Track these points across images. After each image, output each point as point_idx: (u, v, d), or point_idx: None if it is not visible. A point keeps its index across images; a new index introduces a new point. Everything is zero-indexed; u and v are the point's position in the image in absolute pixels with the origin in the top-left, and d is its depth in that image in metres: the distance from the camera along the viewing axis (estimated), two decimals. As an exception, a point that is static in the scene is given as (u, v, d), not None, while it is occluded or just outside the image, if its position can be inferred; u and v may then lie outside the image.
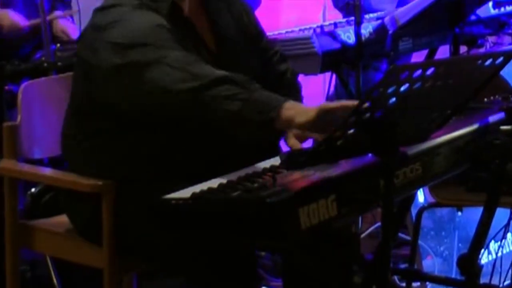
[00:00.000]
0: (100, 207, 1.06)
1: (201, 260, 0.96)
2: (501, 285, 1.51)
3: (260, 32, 1.26)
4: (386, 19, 1.91)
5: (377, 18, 1.97)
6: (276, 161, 0.98)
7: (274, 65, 1.24)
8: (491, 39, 2.39)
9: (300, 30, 1.94)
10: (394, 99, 0.75)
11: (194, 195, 0.81)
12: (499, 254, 1.60)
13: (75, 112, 1.13)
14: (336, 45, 1.81)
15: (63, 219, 1.22)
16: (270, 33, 1.58)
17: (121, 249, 1.08)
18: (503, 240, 1.48)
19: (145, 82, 0.95)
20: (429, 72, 0.75)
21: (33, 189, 1.62)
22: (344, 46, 1.82)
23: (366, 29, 1.84)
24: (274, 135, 1.01)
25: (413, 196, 1.47)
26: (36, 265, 1.79)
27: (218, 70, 0.96)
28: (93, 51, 1.02)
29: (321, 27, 1.89)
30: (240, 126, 0.95)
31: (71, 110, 1.14)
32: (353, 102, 0.87)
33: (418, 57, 2.27)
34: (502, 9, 2.22)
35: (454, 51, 2.02)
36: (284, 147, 1.10)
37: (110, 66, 0.98)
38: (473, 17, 2.07)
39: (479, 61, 0.89)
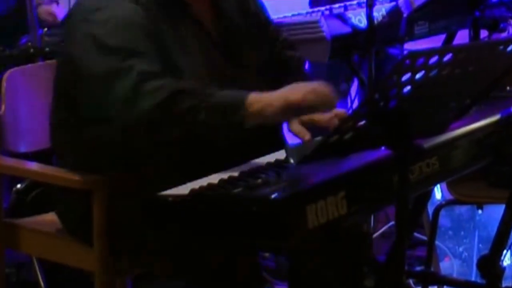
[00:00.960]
0: (92, 204, 1.06)
1: (201, 262, 0.97)
2: (524, 288, 1.51)
3: (267, 20, 1.26)
4: (401, 1, 1.89)
5: (391, 0, 1.95)
6: (281, 154, 0.98)
7: (281, 53, 1.25)
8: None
9: (307, 13, 1.92)
10: (408, 87, 0.74)
11: (192, 191, 0.81)
12: (523, 255, 1.60)
13: (62, 97, 1.12)
14: (346, 29, 1.79)
15: (51, 217, 1.22)
16: (275, 16, 1.57)
17: (114, 250, 1.08)
18: (527, 240, 1.48)
19: (110, 92, 0.97)
20: (446, 58, 0.75)
21: (18, 185, 1.62)
22: (355, 30, 1.80)
23: (379, 12, 1.81)
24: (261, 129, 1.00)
25: (430, 193, 1.46)
26: (22, 268, 1.79)
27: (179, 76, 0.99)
28: (71, 41, 1.07)
29: (330, 9, 1.87)
30: (213, 133, 0.98)
31: (57, 95, 1.13)
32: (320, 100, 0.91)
33: (435, 42, 2.25)
34: (527, -10, 2.20)
35: (474, 36, 1.99)
36: (290, 137, 1.10)
37: (87, 67, 1.01)
38: (494, -1, 2.05)
39: (501, 47, 0.89)
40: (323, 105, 0.95)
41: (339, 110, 1.08)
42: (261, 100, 0.93)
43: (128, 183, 1.05)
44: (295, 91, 0.94)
